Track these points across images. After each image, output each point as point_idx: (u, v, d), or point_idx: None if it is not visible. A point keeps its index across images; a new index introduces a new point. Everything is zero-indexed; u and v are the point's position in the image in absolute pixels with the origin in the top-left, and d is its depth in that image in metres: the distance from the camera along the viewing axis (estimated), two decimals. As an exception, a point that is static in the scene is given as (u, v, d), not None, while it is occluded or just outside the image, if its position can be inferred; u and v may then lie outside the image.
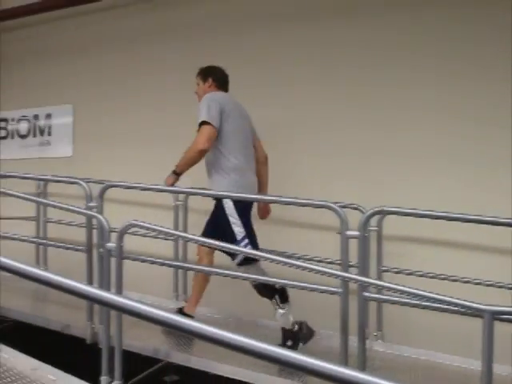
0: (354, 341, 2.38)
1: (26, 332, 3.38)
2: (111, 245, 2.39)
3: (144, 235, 3.64)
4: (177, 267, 3.63)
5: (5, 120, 5.40)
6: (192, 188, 3.19)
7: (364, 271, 2.38)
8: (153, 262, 2.72)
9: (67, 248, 3.07)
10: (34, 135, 5.17)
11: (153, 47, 4.58)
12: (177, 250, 3.71)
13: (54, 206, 2.90)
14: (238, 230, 2.87)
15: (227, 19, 4.29)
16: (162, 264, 2.89)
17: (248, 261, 2.84)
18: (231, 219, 2.87)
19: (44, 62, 5.18)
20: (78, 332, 3.00)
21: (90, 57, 4.94)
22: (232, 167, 3.01)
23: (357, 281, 2.22)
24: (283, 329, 2.87)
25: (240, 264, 2.85)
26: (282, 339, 2.84)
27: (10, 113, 5.33)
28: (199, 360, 2.71)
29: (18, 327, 3.45)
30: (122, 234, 2.38)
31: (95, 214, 2.48)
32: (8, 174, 3.74)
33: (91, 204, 2.74)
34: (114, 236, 2.53)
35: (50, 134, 5.07)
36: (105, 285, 2.54)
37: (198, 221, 3.85)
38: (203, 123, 2.90)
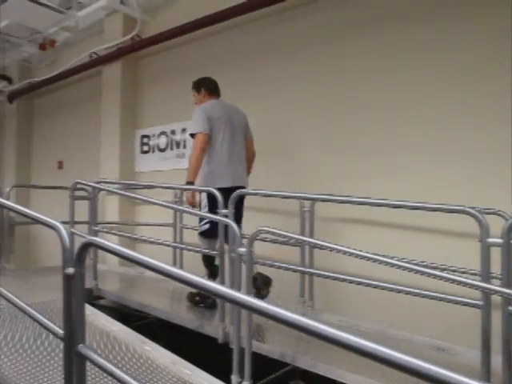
0: (496, 360, 2.18)
1: (165, 328, 3.66)
2: (242, 250, 2.51)
3: (271, 241, 3.75)
4: (303, 272, 3.65)
5: (147, 136, 5.94)
6: (321, 195, 3.20)
7: (509, 283, 2.16)
8: (281, 268, 2.78)
9: (203, 252, 3.26)
10: (172, 148, 5.61)
11: (278, 57, 4.73)
12: (303, 256, 3.73)
13: (190, 213, 3.12)
14: (204, 210, 3.52)
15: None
16: (292, 270, 2.93)
17: (208, 236, 3.54)
18: (202, 203, 3.56)
19: (178, 81, 5.62)
20: (211, 331, 3.16)
21: (214, 73, 5.26)
22: (213, 161, 3.61)
23: (501, 293, 2.03)
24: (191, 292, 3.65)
25: (201, 235, 3.62)
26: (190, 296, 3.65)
27: (152, 129, 5.86)
28: (327, 367, 2.68)
29: (159, 324, 3.75)
30: (252, 239, 2.48)
31: (227, 221, 2.62)
32: (151, 183, 4.16)
33: (223, 211, 2.89)
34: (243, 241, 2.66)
35: (185, 146, 5.45)
36: (235, 287, 2.66)
37: (325, 227, 3.86)
38: (197, 134, 3.56)
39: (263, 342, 2.96)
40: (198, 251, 3.58)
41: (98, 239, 1.59)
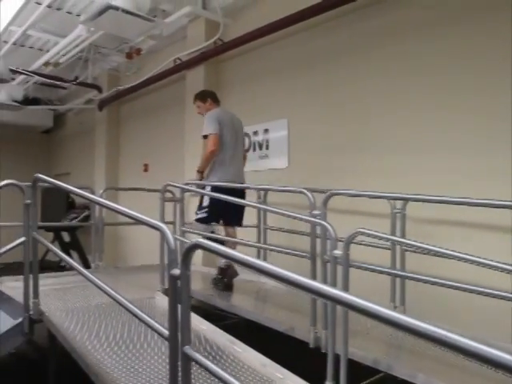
0: None
1: (251, 329, 3.64)
2: (338, 252, 2.42)
3: (359, 243, 3.62)
4: (398, 276, 3.47)
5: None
6: (415, 195, 3.04)
7: None
8: (375, 271, 2.65)
9: (293, 254, 3.21)
10: (254, 150, 5.61)
11: (362, 56, 4.59)
12: (394, 259, 3.55)
13: (283, 214, 3.07)
14: (205, 202, 4.15)
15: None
16: (386, 273, 2.80)
17: (204, 222, 4.19)
18: (205, 198, 4.18)
19: (258, 81, 5.64)
20: (302, 335, 3.09)
21: (290, 75, 5.23)
22: (218, 162, 4.18)
23: None
24: (219, 267, 4.26)
25: (197, 221, 4.23)
26: (216, 275, 4.30)
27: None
28: (427, 378, 2.51)
29: (245, 324, 3.74)
30: (349, 241, 2.39)
31: (322, 222, 2.54)
32: (235, 185, 4.17)
33: (315, 212, 2.82)
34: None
35: (267, 147, 5.43)
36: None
37: (416, 229, 3.66)
38: (210, 135, 4.10)
39: (356, 347, 2.84)
40: (283, 252, 3.54)
41: (204, 241, 1.59)
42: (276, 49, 5.44)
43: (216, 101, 4.47)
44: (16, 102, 8.33)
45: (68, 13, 6.67)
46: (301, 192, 3.00)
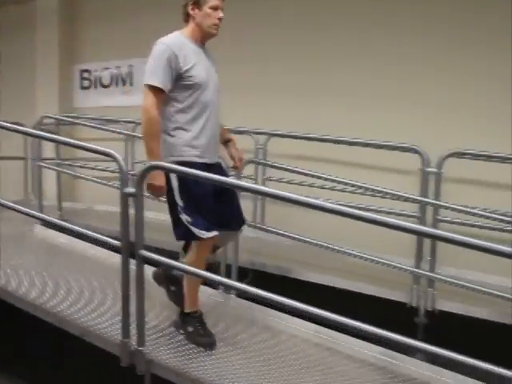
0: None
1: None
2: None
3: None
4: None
5: (87, 71, 5.81)
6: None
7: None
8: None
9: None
10: (117, 85, 5.59)
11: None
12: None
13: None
14: None
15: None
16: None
17: None
18: None
19: (125, 17, 5.45)
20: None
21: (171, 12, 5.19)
22: None
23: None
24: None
25: None
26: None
27: (93, 64, 5.73)
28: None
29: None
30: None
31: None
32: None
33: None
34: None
35: (131, 84, 5.48)
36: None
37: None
38: None
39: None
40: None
41: (163, 163, 1.99)
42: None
43: None
44: None
45: None
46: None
